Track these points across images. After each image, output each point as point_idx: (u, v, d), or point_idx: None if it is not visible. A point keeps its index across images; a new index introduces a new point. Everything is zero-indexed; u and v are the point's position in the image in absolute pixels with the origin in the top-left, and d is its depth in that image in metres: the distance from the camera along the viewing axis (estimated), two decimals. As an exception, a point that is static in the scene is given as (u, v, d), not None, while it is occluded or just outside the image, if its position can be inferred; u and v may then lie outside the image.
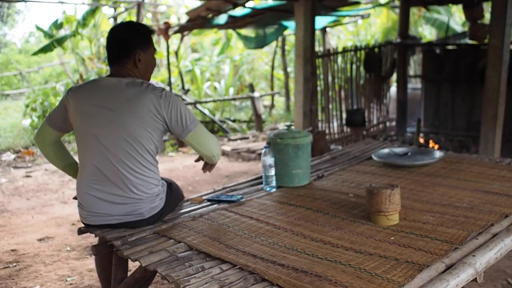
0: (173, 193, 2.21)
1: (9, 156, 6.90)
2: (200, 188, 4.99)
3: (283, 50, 10.82)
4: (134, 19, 8.89)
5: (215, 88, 11.68)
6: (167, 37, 7.77)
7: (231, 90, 11.57)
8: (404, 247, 1.65)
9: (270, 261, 1.58)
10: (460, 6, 7.58)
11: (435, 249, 1.61)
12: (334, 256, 1.60)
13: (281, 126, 8.60)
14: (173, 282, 1.49)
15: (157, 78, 10.32)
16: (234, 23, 7.26)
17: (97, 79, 2.04)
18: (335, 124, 6.56)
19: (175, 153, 7.03)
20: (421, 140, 5.96)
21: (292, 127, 2.53)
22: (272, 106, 11.02)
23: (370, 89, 6.87)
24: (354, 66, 6.58)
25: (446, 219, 1.90)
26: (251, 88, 8.79)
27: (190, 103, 8.59)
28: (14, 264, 3.24)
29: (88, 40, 10.61)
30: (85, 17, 9.19)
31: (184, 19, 9.38)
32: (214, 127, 8.71)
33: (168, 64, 8.47)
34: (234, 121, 9.60)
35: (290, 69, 11.60)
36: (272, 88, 11.44)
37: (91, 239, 3.50)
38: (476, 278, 1.52)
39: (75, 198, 2.10)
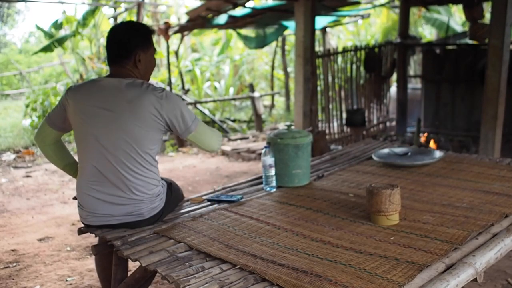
0: (173, 193, 2.21)
1: (9, 156, 6.90)
2: (200, 188, 5.00)
3: (283, 50, 10.82)
4: (134, 19, 8.89)
5: (215, 88, 11.69)
6: (167, 37, 7.78)
7: (231, 90, 11.57)
8: (404, 247, 1.65)
9: (270, 261, 1.58)
10: (460, 6, 7.60)
11: (435, 249, 1.61)
12: (334, 256, 1.60)
13: (281, 126, 8.60)
14: (173, 282, 1.49)
15: (157, 78, 10.32)
16: (234, 23, 7.26)
17: (97, 79, 2.03)
18: (335, 124, 6.56)
19: (175, 153, 7.03)
20: (422, 140, 5.96)
21: (292, 127, 2.53)
22: (272, 106, 11.02)
23: (370, 89, 6.87)
24: (354, 66, 6.58)
25: (446, 219, 1.90)
26: (251, 88, 8.79)
27: (190, 103, 8.59)
28: (14, 264, 3.24)
29: (88, 40, 10.61)
30: (85, 17, 9.19)
31: (184, 19, 9.38)
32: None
33: (168, 64, 8.47)
34: (234, 121, 9.61)
35: (290, 69, 11.61)
36: (272, 88, 11.45)
37: (91, 239, 3.50)
38: (476, 278, 1.52)
39: (75, 198, 2.10)
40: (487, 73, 4.38)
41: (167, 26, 7.61)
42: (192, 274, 1.52)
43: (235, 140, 7.71)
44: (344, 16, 8.39)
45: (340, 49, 6.39)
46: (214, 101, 10.05)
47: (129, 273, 2.01)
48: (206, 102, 9.84)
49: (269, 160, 2.39)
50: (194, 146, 7.45)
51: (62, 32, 10.25)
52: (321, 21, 7.79)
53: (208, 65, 12.04)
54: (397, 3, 7.88)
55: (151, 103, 1.91)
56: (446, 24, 8.59)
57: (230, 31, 10.59)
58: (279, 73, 12.68)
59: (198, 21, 7.08)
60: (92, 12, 9.28)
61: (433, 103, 6.69)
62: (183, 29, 7.91)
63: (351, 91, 6.62)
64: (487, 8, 6.57)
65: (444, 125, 6.59)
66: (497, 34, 4.26)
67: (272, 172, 2.41)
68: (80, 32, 9.73)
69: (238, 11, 6.87)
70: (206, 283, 1.45)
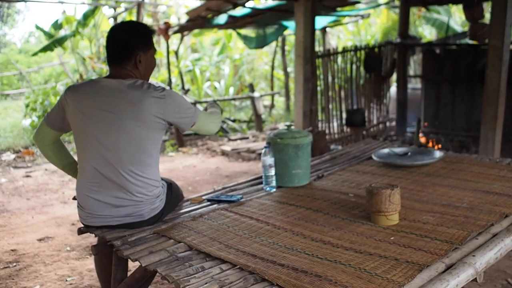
0: (173, 193, 2.21)
1: (9, 156, 6.90)
2: (200, 188, 4.99)
3: (283, 50, 10.82)
4: (134, 19, 8.89)
5: (215, 88, 11.68)
6: (167, 37, 7.78)
7: (231, 90, 11.57)
8: (404, 247, 1.65)
9: (270, 261, 1.58)
10: (460, 6, 7.59)
11: (435, 249, 1.61)
12: (334, 256, 1.60)
13: (281, 126, 8.60)
14: (173, 282, 1.49)
15: (157, 78, 10.32)
16: (234, 23, 7.26)
17: (97, 80, 2.01)
18: (335, 124, 6.56)
19: (175, 153, 7.03)
20: (422, 140, 5.96)
21: (292, 127, 2.53)
22: (272, 106, 11.02)
23: (370, 89, 6.87)
24: (354, 66, 6.58)
25: (446, 219, 1.90)
26: (251, 88, 8.79)
27: (190, 103, 8.58)
28: (14, 264, 3.24)
29: (88, 40, 10.61)
30: (85, 17, 9.20)
31: (184, 19, 9.38)
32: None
33: (168, 64, 8.47)
34: (234, 121, 9.61)
35: (290, 69, 11.61)
36: (272, 88, 11.45)
37: (91, 239, 3.50)
38: (476, 278, 1.52)
39: (74, 198, 2.09)
40: (487, 73, 4.38)
41: (167, 26, 7.61)
42: (192, 274, 1.52)
43: (235, 140, 7.71)
44: (344, 16, 8.39)
45: (340, 49, 6.39)
46: (214, 101, 10.05)
47: (129, 273, 2.01)
48: (206, 102, 9.83)
49: (269, 160, 2.39)
50: (193, 146, 7.45)
51: (62, 32, 10.26)
52: (321, 21, 7.79)
53: (208, 65, 12.04)
54: (397, 3, 7.88)
55: (153, 105, 1.90)
56: (446, 24, 8.59)
57: (229, 31, 10.60)
58: (279, 73, 12.68)
59: (198, 21, 7.08)
60: (92, 12, 9.29)
61: (433, 103, 6.68)
62: (183, 29, 7.91)
63: (351, 91, 6.62)
64: (487, 8, 6.57)
65: (444, 125, 6.58)
66: (497, 34, 4.26)
67: (272, 172, 2.41)
68: (80, 32, 9.73)
69: (238, 11, 6.87)
70: (206, 283, 1.45)
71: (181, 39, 9.11)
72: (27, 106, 8.94)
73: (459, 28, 9.33)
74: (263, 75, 13.57)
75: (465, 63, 6.15)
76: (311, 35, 5.24)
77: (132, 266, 2.34)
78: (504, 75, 4.32)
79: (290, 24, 7.17)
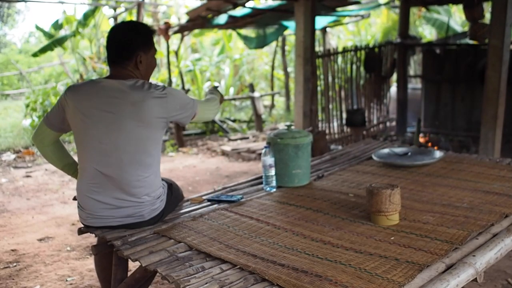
0: (173, 193, 2.21)
1: (9, 156, 6.90)
2: (200, 188, 5.00)
3: (283, 50, 10.82)
4: (134, 19, 8.89)
5: (215, 88, 11.66)
6: (167, 37, 7.78)
7: (231, 90, 11.57)
8: (404, 247, 1.65)
9: (270, 261, 1.58)
10: (460, 6, 7.59)
11: (435, 249, 1.61)
12: (334, 256, 1.60)
13: (281, 126, 8.61)
14: (173, 282, 1.49)
15: (158, 78, 10.32)
16: (234, 23, 7.26)
17: (97, 80, 1.99)
18: (335, 124, 6.56)
19: (175, 153, 7.03)
20: (422, 140, 5.96)
21: (292, 127, 2.53)
22: (272, 106, 11.02)
23: (370, 89, 6.87)
24: (354, 66, 6.58)
25: (446, 219, 1.90)
26: (251, 88, 8.79)
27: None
28: (14, 264, 3.24)
29: (88, 40, 10.61)
30: (85, 17, 9.20)
31: (184, 19, 9.38)
32: (214, 127, 8.71)
33: (168, 64, 8.47)
34: (234, 121, 9.61)
35: (290, 69, 11.61)
36: (272, 88, 11.45)
37: (91, 239, 3.50)
38: (476, 278, 1.52)
39: (74, 198, 2.09)
40: (487, 73, 4.38)
41: (167, 26, 7.62)
42: (192, 274, 1.52)
43: (235, 140, 7.71)
44: (344, 16, 8.39)
45: (340, 49, 6.39)
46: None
47: (129, 273, 2.01)
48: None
49: (269, 160, 2.39)
50: (194, 146, 7.45)
51: (62, 32, 10.26)
52: (321, 21, 7.79)
53: (208, 65, 12.04)
54: (397, 3, 7.88)
55: (155, 105, 1.90)
56: (446, 24, 8.59)
57: (229, 32, 10.59)
58: (279, 73, 12.68)
59: (198, 21, 7.08)
60: (92, 12, 9.29)
61: (433, 103, 6.69)
62: (183, 29, 7.91)
63: (351, 91, 6.62)
64: (487, 8, 6.57)
65: (444, 125, 6.59)
66: (497, 34, 4.26)
67: (272, 172, 2.41)
68: (80, 32, 9.73)
69: (238, 11, 6.87)
70: (206, 283, 1.45)
71: (181, 39, 9.11)
72: (27, 106, 8.94)
73: (459, 28, 9.33)
74: (263, 75, 13.56)
75: (465, 63, 6.15)
76: (311, 35, 5.24)
77: (132, 266, 2.34)
78: (504, 75, 4.32)
79: (290, 24, 7.17)
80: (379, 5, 8.25)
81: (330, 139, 6.21)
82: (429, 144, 5.89)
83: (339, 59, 6.45)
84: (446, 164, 2.79)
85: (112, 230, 1.95)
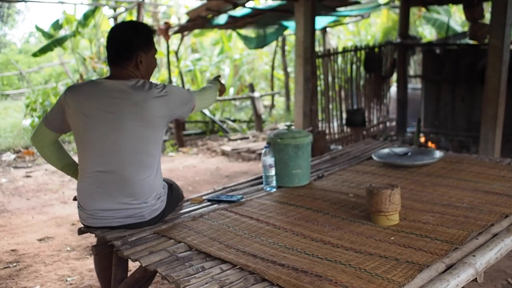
0: (174, 193, 2.20)
1: (9, 156, 6.90)
2: (200, 188, 5.00)
3: (283, 50, 10.82)
4: (134, 19, 8.89)
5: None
6: (167, 37, 7.78)
7: (231, 90, 11.57)
8: (404, 247, 1.65)
9: (270, 261, 1.58)
10: (460, 6, 7.59)
11: (435, 249, 1.61)
12: (334, 256, 1.60)
13: (281, 126, 8.61)
14: (173, 282, 1.49)
15: (158, 78, 10.32)
16: (234, 23, 7.27)
17: (97, 81, 1.99)
18: (335, 124, 6.56)
19: (175, 153, 7.03)
20: (422, 140, 5.96)
21: (292, 127, 2.53)
22: (272, 106, 11.02)
23: (370, 89, 6.87)
24: (354, 66, 6.58)
25: (446, 219, 1.90)
26: (251, 88, 8.79)
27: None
28: (14, 264, 3.24)
29: (88, 40, 10.61)
30: (85, 17, 9.20)
31: (184, 19, 9.38)
32: (214, 127, 8.71)
33: (168, 64, 8.47)
34: (234, 121, 9.61)
35: (290, 69, 11.61)
36: (272, 88, 11.45)
37: (91, 239, 3.50)
38: (476, 278, 1.52)
39: (75, 199, 2.08)
40: (487, 73, 4.38)
41: (167, 26, 7.62)
42: (192, 274, 1.52)
43: (235, 140, 7.71)
44: (344, 16, 8.39)
45: (340, 49, 6.39)
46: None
47: (129, 273, 2.01)
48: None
49: (269, 160, 2.39)
50: (193, 146, 7.45)
51: (62, 32, 10.26)
52: (321, 21, 7.79)
53: (208, 65, 12.04)
54: (397, 3, 7.88)
55: (157, 105, 1.91)
56: (446, 24, 8.59)
57: (228, 33, 10.59)
58: (279, 73, 12.68)
59: (198, 21, 7.08)
60: (92, 12, 9.29)
61: (433, 103, 6.68)
62: (183, 29, 7.91)
63: (351, 91, 6.62)
64: (487, 8, 6.57)
65: (444, 125, 6.58)
66: (497, 34, 4.26)
67: (272, 172, 2.41)
68: (80, 32, 9.73)
69: (238, 11, 6.87)
70: (206, 283, 1.45)
71: (181, 39, 9.11)
72: (27, 106, 8.95)
73: (459, 28, 9.32)
74: (263, 75, 13.56)
75: (465, 63, 6.15)
76: (311, 35, 5.24)
77: (132, 266, 2.34)
78: (504, 75, 4.32)
79: (290, 24, 7.17)
80: (379, 5, 8.24)
81: (330, 139, 6.21)
82: (429, 143, 5.89)
83: (339, 59, 6.45)
84: (446, 164, 2.79)
85: (112, 230, 1.95)
